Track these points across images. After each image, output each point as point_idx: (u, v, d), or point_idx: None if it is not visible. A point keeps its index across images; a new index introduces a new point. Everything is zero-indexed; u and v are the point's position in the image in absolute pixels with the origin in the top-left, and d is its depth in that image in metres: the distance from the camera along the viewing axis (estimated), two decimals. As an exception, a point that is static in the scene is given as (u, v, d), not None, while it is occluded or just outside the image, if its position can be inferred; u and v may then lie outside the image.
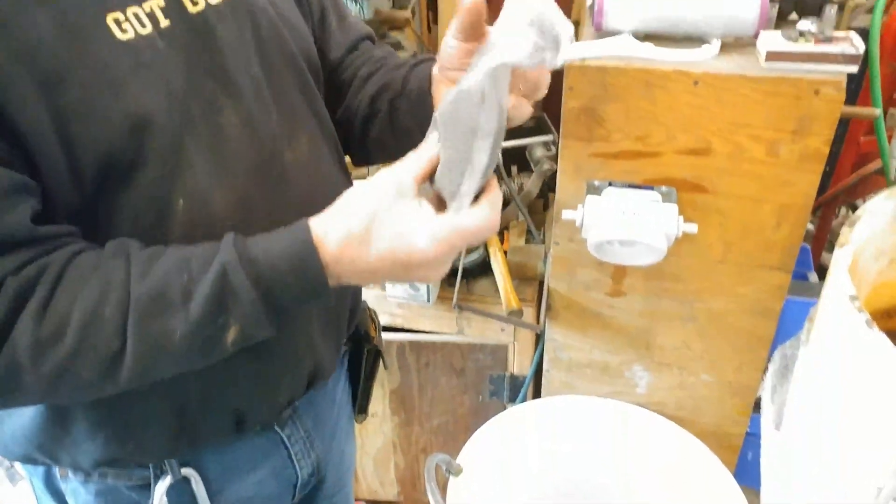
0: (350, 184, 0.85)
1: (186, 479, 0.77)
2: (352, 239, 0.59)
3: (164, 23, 0.63)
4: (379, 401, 1.49)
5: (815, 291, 1.21)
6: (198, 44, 0.65)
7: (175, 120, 0.62)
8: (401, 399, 1.48)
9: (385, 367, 1.07)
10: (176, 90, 0.62)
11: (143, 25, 0.61)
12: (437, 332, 1.45)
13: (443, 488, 0.97)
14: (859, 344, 0.51)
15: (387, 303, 1.41)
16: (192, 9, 0.66)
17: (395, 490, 1.63)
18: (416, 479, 1.60)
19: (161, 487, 0.75)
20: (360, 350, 1.00)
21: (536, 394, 1.35)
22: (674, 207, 0.97)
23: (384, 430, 1.54)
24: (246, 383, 0.75)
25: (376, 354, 1.02)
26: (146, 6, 0.62)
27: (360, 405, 1.03)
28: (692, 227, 0.96)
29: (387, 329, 1.41)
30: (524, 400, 1.31)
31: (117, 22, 0.59)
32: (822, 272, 1.39)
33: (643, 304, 1.14)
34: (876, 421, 0.52)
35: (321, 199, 0.65)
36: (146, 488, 0.76)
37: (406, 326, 1.46)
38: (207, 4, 0.67)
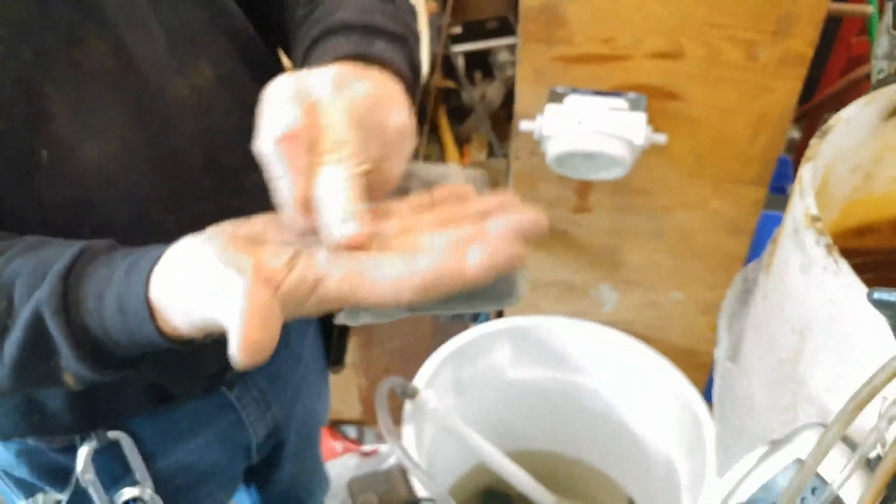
0: None
1: (116, 442, 0.67)
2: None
3: None
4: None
5: (792, 207, 1.14)
6: None
7: (23, 58, 0.49)
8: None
9: None
10: (21, 21, 0.49)
11: None
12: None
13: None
14: (818, 271, 0.45)
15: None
16: None
17: (358, 410, 1.60)
18: (382, 398, 1.57)
19: (84, 452, 0.65)
20: None
21: (499, 314, 1.30)
22: (642, 116, 0.89)
23: (345, 351, 1.49)
24: (160, 358, 0.62)
25: None
26: None
27: (333, 358, 0.91)
28: (661, 138, 0.89)
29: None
30: (486, 320, 1.26)
31: None
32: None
33: (609, 220, 1.08)
34: (833, 358, 0.46)
35: (233, 141, 0.54)
36: (72, 450, 0.66)
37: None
38: None
